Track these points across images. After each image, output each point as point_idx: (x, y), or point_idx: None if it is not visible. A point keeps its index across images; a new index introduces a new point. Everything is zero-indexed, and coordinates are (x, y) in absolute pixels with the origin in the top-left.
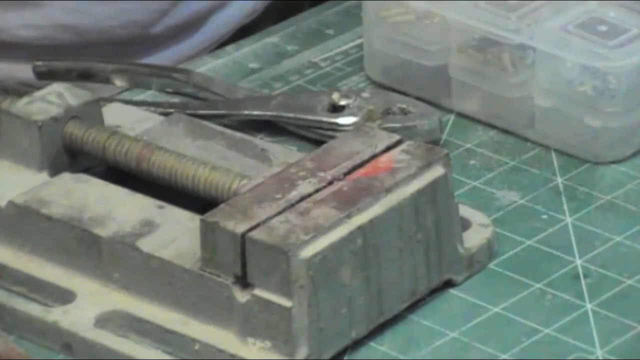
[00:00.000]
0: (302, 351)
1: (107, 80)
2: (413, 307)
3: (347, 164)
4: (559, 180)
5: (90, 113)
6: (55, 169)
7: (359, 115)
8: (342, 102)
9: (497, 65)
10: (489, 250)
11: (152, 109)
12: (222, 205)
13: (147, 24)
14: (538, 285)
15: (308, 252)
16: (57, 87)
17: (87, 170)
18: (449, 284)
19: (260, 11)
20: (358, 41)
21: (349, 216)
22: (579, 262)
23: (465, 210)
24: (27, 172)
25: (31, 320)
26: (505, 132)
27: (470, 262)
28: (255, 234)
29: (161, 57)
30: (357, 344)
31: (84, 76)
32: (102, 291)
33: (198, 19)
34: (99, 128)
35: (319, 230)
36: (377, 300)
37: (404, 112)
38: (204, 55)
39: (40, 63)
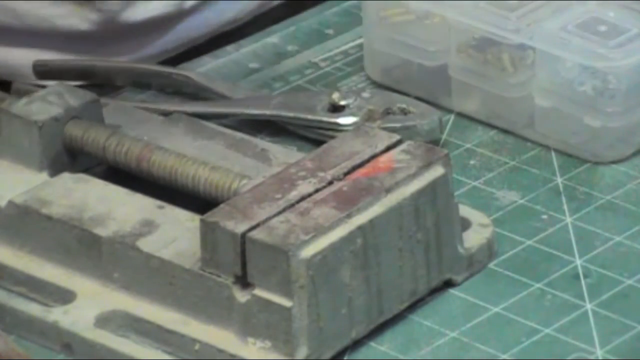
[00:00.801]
0: (302, 351)
1: (107, 80)
2: (413, 307)
3: (347, 164)
4: (559, 180)
5: (90, 113)
6: (55, 169)
7: (359, 115)
8: (342, 102)
9: (497, 65)
10: (489, 250)
11: (152, 108)
12: (222, 205)
13: (94, 21)
14: (538, 285)
15: (308, 252)
16: (57, 87)
17: (87, 170)
18: (449, 284)
19: (244, 21)
20: (358, 41)
21: (349, 216)
22: (579, 262)
23: (465, 210)
24: (27, 172)
25: (31, 320)
26: (505, 132)
27: (470, 262)
28: (255, 234)
29: (119, 56)
30: (357, 344)
31: (84, 76)
32: (102, 291)
33: (155, 24)
34: (99, 128)
35: (319, 230)
36: (377, 300)
37: (404, 112)
38: (204, 56)
39: (40, 62)
